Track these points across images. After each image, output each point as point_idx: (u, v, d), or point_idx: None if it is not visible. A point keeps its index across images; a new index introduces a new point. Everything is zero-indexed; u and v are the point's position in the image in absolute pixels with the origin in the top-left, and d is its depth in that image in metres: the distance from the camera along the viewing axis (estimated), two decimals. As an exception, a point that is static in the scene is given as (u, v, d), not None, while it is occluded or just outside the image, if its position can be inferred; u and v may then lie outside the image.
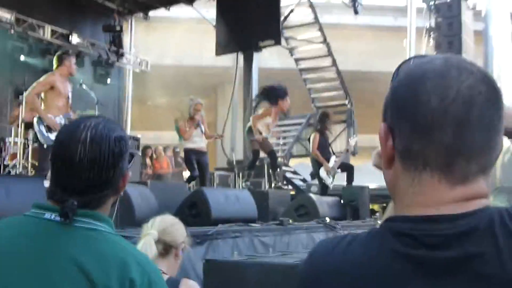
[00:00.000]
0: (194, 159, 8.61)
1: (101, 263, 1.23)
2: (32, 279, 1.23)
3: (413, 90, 0.85)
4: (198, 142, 8.73)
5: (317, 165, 9.46)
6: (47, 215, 1.27)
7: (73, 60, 7.21)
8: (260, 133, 9.05)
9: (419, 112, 0.84)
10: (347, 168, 9.69)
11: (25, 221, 1.29)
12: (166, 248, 2.56)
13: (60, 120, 6.55)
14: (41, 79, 6.82)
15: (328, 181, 9.38)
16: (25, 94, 6.91)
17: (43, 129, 6.44)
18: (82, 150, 1.27)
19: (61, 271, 1.23)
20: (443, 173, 0.84)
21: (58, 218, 1.26)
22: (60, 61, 6.97)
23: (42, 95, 6.72)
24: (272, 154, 9.43)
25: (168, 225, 2.64)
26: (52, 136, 6.29)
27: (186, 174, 15.77)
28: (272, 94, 9.19)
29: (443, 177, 0.84)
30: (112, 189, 1.34)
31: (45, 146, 6.61)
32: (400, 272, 0.82)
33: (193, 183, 9.29)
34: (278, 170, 9.50)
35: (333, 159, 9.49)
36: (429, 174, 0.85)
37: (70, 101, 6.81)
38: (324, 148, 9.50)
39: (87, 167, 1.27)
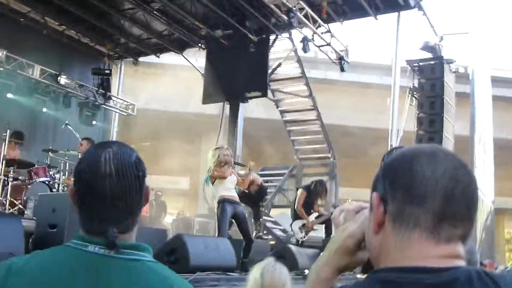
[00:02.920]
0: (230, 212, 7.28)
1: None
2: None
3: (408, 163, 1.00)
4: (233, 190, 7.51)
5: (294, 217, 9.55)
6: (91, 247, 1.31)
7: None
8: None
9: (414, 181, 0.98)
10: (325, 221, 9.72)
11: (69, 253, 1.32)
12: None
13: None
14: None
15: (299, 235, 9.42)
16: None
17: None
18: (111, 183, 1.32)
19: None
20: (430, 233, 0.97)
21: (101, 251, 1.30)
22: None
23: None
24: (254, 205, 9.44)
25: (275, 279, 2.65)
26: None
27: (167, 219, 15.68)
28: None
29: (430, 236, 0.97)
30: (141, 208, 1.41)
31: None
32: None
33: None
34: (260, 220, 9.47)
35: (313, 216, 9.57)
36: (417, 233, 0.98)
37: None
38: (307, 204, 9.59)
39: (120, 197, 1.33)
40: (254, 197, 9.74)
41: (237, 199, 7.54)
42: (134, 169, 1.36)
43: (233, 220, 7.72)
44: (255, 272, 2.68)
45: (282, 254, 8.08)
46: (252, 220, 9.56)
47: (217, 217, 7.45)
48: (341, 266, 1.14)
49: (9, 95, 11.71)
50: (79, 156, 7.92)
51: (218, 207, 7.36)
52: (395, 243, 0.99)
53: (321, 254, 1.21)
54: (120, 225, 1.33)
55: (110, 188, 1.32)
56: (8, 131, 8.48)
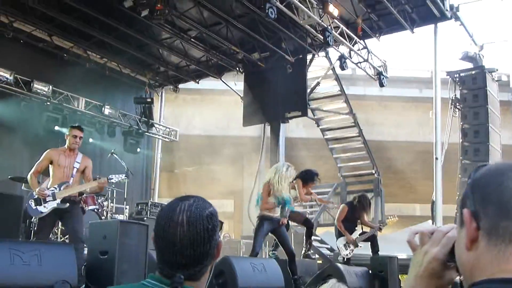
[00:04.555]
0: (266, 229, 7.41)
1: None
2: None
3: (498, 179, 1.01)
4: (275, 210, 7.62)
5: (338, 234, 9.46)
6: None
7: (72, 132, 6.83)
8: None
9: (505, 196, 0.99)
10: (370, 238, 9.57)
11: None
12: None
13: (53, 190, 6.49)
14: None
15: (344, 252, 9.31)
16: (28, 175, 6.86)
17: (32, 204, 6.42)
18: (181, 232, 1.45)
19: None
20: None
21: None
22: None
23: (49, 170, 6.71)
24: (307, 222, 9.38)
25: None
26: (41, 208, 6.39)
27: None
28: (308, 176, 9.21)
29: None
30: (209, 259, 1.52)
31: (34, 219, 6.64)
32: None
33: None
34: (311, 238, 9.39)
35: (357, 232, 9.46)
36: None
37: (74, 172, 6.67)
38: (350, 221, 9.49)
39: (187, 246, 1.45)
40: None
41: (278, 217, 7.55)
42: (205, 222, 1.48)
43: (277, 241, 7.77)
44: None
45: (331, 273, 8.01)
46: (304, 237, 9.49)
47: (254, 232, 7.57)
48: None
49: (57, 128, 12.11)
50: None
51: (257, 222, 7.45)
52: (491, 258, 0.99)
53: (406, 280, 1.20)
54: (187, 272, 1.45)
55: (180, 237, 1.45)
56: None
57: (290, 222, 9.10)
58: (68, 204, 6.44)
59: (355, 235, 9.42)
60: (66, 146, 6.79)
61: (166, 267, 1.46)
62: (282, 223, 7.54)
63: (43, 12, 10.89)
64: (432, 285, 1.13)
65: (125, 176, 7.23)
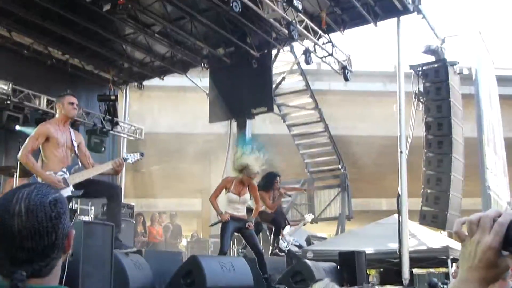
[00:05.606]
0: (232, 227, 7.43)
1: None
2: None
3: None
4: (241, 210, 7.71)
5: (273, 230, 9.66)
6: None
7: (67, 99, 5.74)
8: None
9: None
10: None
11: None
12: None
13: (63, 174, 5.55)
14: (32, 133, 5.70)
15: (283, 245, 9.43)
16: (18, 156, 5.71)
17: None
18: (19, 222, 1.27)
19: None
20: None
21: None
22: (56, 108, 5.87)
23: (42, 151, 5.67)
24: (276, 221, 9.40)
25: None
26: None
27: (182, 244, 15.64)
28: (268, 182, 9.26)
29: None
30: (58, 252, 1.33)
31: None
32: None
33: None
34: (279, 236, 9.43)
35: (287, 228, 9.63)
36: None
37: (76, 149, 5.75)
38: (277, 215, 9.65)
39: (27, 238, 1.27)
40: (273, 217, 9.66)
41: (244, 217, 7.53)
42: (48, 209, 1.31)
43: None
44: None
45: (299, 269, 8.02)
46: (272, 235, 9.52)
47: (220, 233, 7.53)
48: (487, 278, 1.11)
49: (18, 127, 11.76)
50: None
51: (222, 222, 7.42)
52: None
53: (458, 274, 1.16)
54: (31, 268, 1.28)
55: (18, 228, 1.27)
56: (19, 164, 8.47)
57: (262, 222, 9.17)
58: (83, 191, 5.61)
59: (286, 230, 9.60)
60: (57, 117, 5.77)
61: (6, 265, 1.27)
62: (249, 227, 7.50)
63: (1, 6, 10.55)
64: (490, 274, 1.10)
65: (141, 156, 6.18)
